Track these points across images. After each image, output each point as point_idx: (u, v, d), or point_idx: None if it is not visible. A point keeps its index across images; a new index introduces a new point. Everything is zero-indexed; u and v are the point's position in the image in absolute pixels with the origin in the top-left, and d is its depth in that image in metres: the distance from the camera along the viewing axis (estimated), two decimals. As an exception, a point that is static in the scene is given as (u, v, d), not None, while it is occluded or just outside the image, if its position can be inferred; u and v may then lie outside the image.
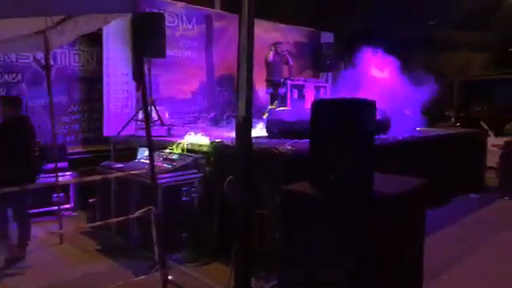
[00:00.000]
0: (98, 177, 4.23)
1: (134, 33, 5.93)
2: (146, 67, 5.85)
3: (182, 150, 4.68)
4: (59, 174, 4.98)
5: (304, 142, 4.03)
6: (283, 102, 6.93)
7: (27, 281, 3.65)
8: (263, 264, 3.26)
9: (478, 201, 6.39)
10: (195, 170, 4.28)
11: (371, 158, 2.67)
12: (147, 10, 6.49)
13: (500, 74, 14.13)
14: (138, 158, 5.19)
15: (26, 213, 4.20)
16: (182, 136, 4.96)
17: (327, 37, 9.74)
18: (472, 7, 8.56)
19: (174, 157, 4.49)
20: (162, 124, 5.84)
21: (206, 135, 4.85)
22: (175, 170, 4.20)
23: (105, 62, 6.27)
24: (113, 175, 4.21)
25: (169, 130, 5.74)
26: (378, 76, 7.69)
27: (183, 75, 7.41)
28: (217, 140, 4.50)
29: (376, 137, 3.03)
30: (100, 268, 3.88)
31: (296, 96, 7.11)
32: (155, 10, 6.66)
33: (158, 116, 5.92)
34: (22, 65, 6.04)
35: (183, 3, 7.37)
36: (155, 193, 3.12)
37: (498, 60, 14.88)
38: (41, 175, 5.34)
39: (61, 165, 5.27)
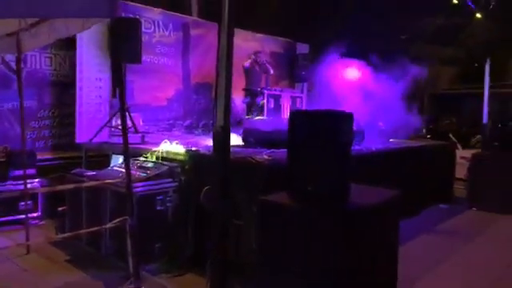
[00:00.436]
0: (71, 185, 4.09)
1: (111, 38, 5.86)
2: (121, 73, 5.76)
3: (157, 158, 4.60)
4: (28, 180, 4.79)
5: (281, 152, 4.04)
6: (260, 112, 6.95)
7: (-10, 294, 3.48)
8: (239, 275, 3.22)
9: (448, 211, 6.56)
10: (170, 179, 4.20)
11: (348, 169, 2.70)
12: (123, 15, 6.40)
13: (467, 88, 14.68)
14: (111, 165, 5.07)
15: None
16: (156, 144, 4.88)
17: (303, 48, 9.88)
18: (444, 23, 8.88)
19: (149, 165, 4.41)
20: (136, 131, 5.74)
21: (182, 143, 4.79)
22: (150, 178, 4.12)
23: (78, 66, 6.12)
24: (86, 184, 4.08)
25: (143, 137, 5.64)
26: (351, 87, 7.85)
27: (159, 82, 7.33)
28: (193, 148, 4.46)
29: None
30: (70, 280, 3.74)
31: (272, 106, 7.15)
32: (131, 16, 6.58)
33: (133, 123, 5.82)
34: (-12, 67, 5.82)
35: (160, 9, 7.31)
36: (130, 202, 3.04)
37: (466, 75, 15.47)
38: (8, 182, 5.16)
39: (29, 171, 5.07)
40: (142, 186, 3.96)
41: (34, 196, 5.27)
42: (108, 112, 6.29)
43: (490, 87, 10.52)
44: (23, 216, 4.60)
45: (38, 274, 3.85)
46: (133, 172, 4.14)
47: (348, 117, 2.72)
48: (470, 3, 8.51)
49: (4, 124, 5.94)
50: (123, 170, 3.55)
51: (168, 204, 4.10)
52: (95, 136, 5.73)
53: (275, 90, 7.50)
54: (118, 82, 2.81)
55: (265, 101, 7.01)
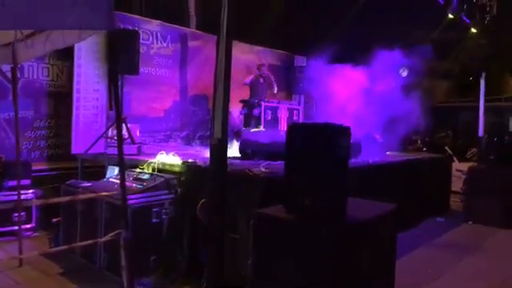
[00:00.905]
0: (65, 198, 4.05)
1: (108, 49, 5.88)
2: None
3: (153, 169, 4.57)
4: (21, 191, 4.74)
5: (278, 164, 4.04)
6: (257, 123, 6.97)
7: (-19, 307, 3.41)
8: (235, 289, 3.19)
9: (444, 225, 6.55)
10: (166, 191, 4.18)
11: (345, 183, 2.70)
12: (122, 27, 6.43)
13: (462, 101, 14.78)
14: (107, 176, 5.03)
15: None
16: (153, 155, 4.85)
17: (300, 60, 9.95)
18: (439, 37, 9.00)
19: (145, 177, 4.38)
20: (133, 142, 5.72)
21: (179, 155, 4.77)
22: (145, 190, 4.09)
23: (76, 77, 6.12)
24: (81, 197, 4.04)
25: (139, 148, 5.62)
26: (349, 100, 7.88)
27: (156, 93, 7.34)
28: (189, 160, 4.43)
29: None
30: (63, 293, 3.68)
31: (270, 117, 7.16)
32: (130, 27, 6.60)
33: (129, 134, 5.80)
34: (-15, 77, 5.80)
35: (159, 21, 7.35)
36: (125, 215, 3.00)
37: (462, 88, 15.58)
38: (1, 193, 5.10)
39: (24, 182, 5.04)
40: (137, 198, 3.93)
41: (27, 207, 5.21)
42: (105, 123, 6.28)
43: (486, 101, 10.59)
44: (16, 227, 4.54)
45: None
46: (128, 184, 4.12)
47: (345, 130, 2.72)
48: (465, 18, 8.62)
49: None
50: (119, 182, 3.52)
51: (164, 216, 4.07)
52: (91, 147, 5.70)
53: (272, 102, 7.52)
54: (114, 94, 2.79)
55: (262, 112, 7.03)
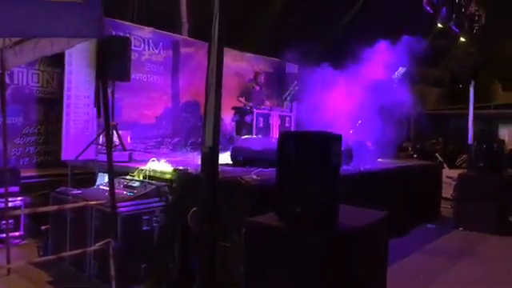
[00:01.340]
0: (54, 207, 3.99)
1: (99, 55, 5.85)
2: (109, 90, 5.73)
3: (144, 176, 4.54)
4: (10, 199, 4.67)
5: (269, 171, 4.03)
6: (249, 130, 6.97)
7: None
8: (226, 298, 3.16)
9: (435, 231, 6.58)
10: (157, 199, 4.15)
11: (337, 191, 2.70)
12: (113, 33, 6.41)
13: (452, 108, 14.96)
14: (97, 184, 4.99)
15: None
16: (144, 162, 4.83)
17: (292, 67, 9.99)
18: (429, 45, 9.11)
19: (136, 184, 4.35)
20: (124, 149, 5.68)
21: (170, 162, 4.74)
22: (136, 198, 4.05)
23: (66, 83, 6.08)
24: (70, 205, 3.99)
25: (130, 155, 5.58)
26: (340, 107, 7.93)
27: (148, 100, 7.31)
28: (181, 167, 4.41)
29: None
30: (51, 303, 3.63)
31: (261, 124, 7.17)
32: (121, 34, 6.59)
33: (120, 141, 5.76)
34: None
35: (151, 28, 7.34)
36: (114, 224, 2.97)
37: (451, 95, 15.77)
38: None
39: (12, 189, 4.97)
40: (127, 206, 3.90)
41: (15, 215, 5.13)
42: (95, 129, 6.23)
43: (475, 108, 10.72)
44: (4, 235, 4.46)
45: (18, 297, 3.73)
46: (119, 191, 4.10)
47: (337, 138, 2.73)
48: (453, 27, 8.74)
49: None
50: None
51: (154, 224, 4.04)
52: (81, 153, 5.65)
53: (264, 109, 7.54)
54: (103, 101, 2.78)
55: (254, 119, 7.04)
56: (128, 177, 4.59)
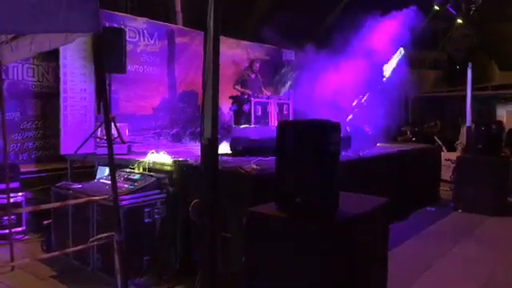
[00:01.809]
0: (56, 204, 4.01)
1: (94, 48, 5.80)
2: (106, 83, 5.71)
3: (144, 169, 4.54)
4: (11, 194, 4.68)
5: (269, 160, 4.04)
6: (247, 119, 6.95)
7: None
8: None
9: (435, 214, 6.63)
10: (158, 191, 4.16)
11: (336, 179, 2.70)
12: (107, 25, 6.34)
13: (450, 90, 14.92)
14: (97, 177, 4.99)
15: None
16: (143, 154, 4.83)
17: (288, 54, 9.93)
18: (426, 28, 9.06)
19: (136, 177, 4.35)
20: (123, 142, 5.67)
21: (169, 153, 4.74)
22: (137, 190, 4.06)
23: (62, 77, 6.03)
24: (72, 202, 4.00)
25: (129, 147, 5.58)
26: (338, 92, 7.92)
27: (144, 91, 7.28)
28: (180, 159, 4.41)
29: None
30: (56, 297, 3.66)
31: (260, 113, 7.15)
32: (115, 25, 6.52)
33: (119, 133, 5.75)
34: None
35: (145, 19, 7.27)
36: (117, 218, 2.99)
37: (448, 77, 15.72)
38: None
39: (13, 185, 4.98)
40: (128, 199, 3.91)
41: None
42: (93, 123, 6.21)
43: (473, 89, 10.70)
44: (7, 231, 4.49)
45: (23, 292, 3.76)
46: (119, 184, 4.10)
47: (335, 126, 2.73)
48: (450, 9, 8.67)
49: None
50: (110, 183, 3.49)
51: (156, 216, 4.06)
52: (80, 147, 5.64)
53: (262, 98, 7.51)
54: (102, 95, 2.77)
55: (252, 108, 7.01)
56: (128, 169, 4.60)
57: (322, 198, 2.57)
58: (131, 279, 3.61)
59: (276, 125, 2.89)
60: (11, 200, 4.69)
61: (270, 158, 3.51)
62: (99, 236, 3.12)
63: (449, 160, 8.55)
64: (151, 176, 4.29)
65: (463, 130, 9.34)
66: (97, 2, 2.36)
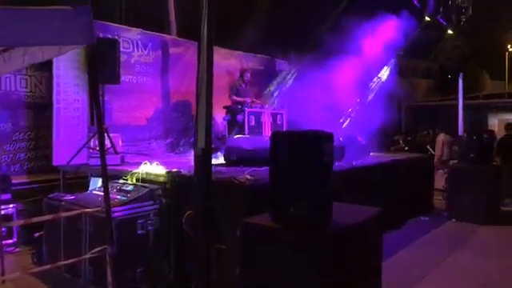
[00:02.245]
0: (48, 217, 3.96)
1: (88, 59, 5.80)
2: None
3: (137, 179, 4.52)
4: (2, 206, 4.62)
5: (263, 170, 4.04)
6: (241, 129, 6.96)
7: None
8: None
9: (429, 223, 6.65)
10: (151, 202, 4.13)
11: (330, 190, 2.71)
12: (101, 36, 6.35)
13: (441, 99, 15.06)
14: (90, 188, 4.96)
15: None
16: (136, 164, 4.80)
17: (282, 64, 9.99)
18: (418, 37, 9.19)
19: (129, 188, 4.33)
20: (116, 152, 5.64)
21: (163, 164, 4.72)
22: (130, 201, 4.03)
23: (55, 87, 6.02)
24: (65, 214, 3.96)
25: (122, 158, 5.55)
26: (332, 100, 7.97)
27: (138, 101, 7.26)
28: (174, 169, 4.40)
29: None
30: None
31: (253, 123, 7.16)
32: (109, 36, 6.53)
33: (112, 144, 5.72)
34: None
35: (139, 29, 7.29)
36: (110, 230, 2.96)
37: (440, 86, 15.88)
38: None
39: (4, 196, 4.92)
40: (121, 211, 3.88)
41: (8, 221, 5.08)
42: (87, 133, 6.18)
43: (465, 98, 10.83)
44: (-2, 243, 4.42)
45: (14, 306, 3.70)
46: (112, 195, 4.07)
47: (329, 137, 2.74)
48: (441, 20, 8.80)
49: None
50: (102, 194, 3.47)
51: (149, 227, 4.03)
52: (73, 158, 5.61)
53: (256, 107, 7.52)
54: (96, 105, 2.76)
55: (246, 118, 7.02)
56: (121, 181, 4.57)
57: (315, 208, 2.58)
58: (124, 292, 3.57)
59: (270, 135, 2.90)
60: (2, 212, 4.63)
61: (264, 168, 3.51)
62: (92, 251, 3.06)
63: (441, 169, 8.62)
64: (144, 187, 4.26)
65: (439, 139, 9.46)
66: (90, 14, 2.36)
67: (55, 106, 6.01)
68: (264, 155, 3.09)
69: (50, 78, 6.10)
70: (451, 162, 8.56)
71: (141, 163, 4.71)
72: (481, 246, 5.60)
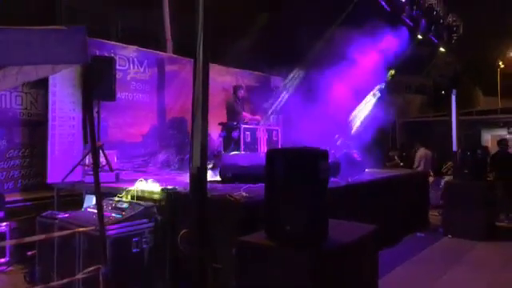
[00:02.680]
0: (41, 236, 3.92)
1: (84, 76, 5.83)
2: (94, 110, 5.70)
3: (132, 197, 4.49)
4: (-5, 225, 4.58)
5: (258, 187, 4.03)
6: (236, 146, 6.96)
7: None
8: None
9: (425, 240, 6.63)
10: (146, 219, 4.10)
11: (325, 208, 2.71)
12: (97, 53, 6.39)
13: (435, 115, 15.19)
14: (85, 206, 4.91)
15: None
16: (131, 182, 4.78)
17: (277, 81, 10.07)
18: (411, 54, 9.33)
19: (124, 205, 4.29)
20: (111, 169, 5.62)
21: (158, 181, 4.71)
22: (124, 220, 4.00)
23: (50, 104, 6.02)
24: (58, 233, 3.92)
25: (117, 175, 5.52)
26: (326, 118, 8.02)
27: (133, 118, 7.28)
28: (169, 187, 4.38)
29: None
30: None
31: (249, 139, 7.17)
32: (106, 54, 6.58)
33: (107, 161, 5.70)
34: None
35: (135, 47, 7.35)
36: (103, 250, 2.93)
37: (434, 102, 16.05)
38: (-27, 227, 4.92)
39: (-3, 215, 4.88)
40: (116, 229, 3.84)
41: (1, 240, 5.02)
42: (82, 150, 6.16)
43: (458, 114, 10.93)
44: (-10, 263, 4.37)
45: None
46: (107, 213, 4.04)
47: (324, 154, 2.76)
48: (433, 38, 8.95)
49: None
50: (97, 212, 3.44)
51: (144, 246, 3.98)
52: (68, 175, 5.58)
53: (251, 124, 7.55)
54: (89, 123, 2.76)
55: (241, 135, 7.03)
56: (116, 198, 4.53)
57: (311, 226, 2.58)
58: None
59: (265, 151, 2.91)
60: (-5, 230, 4.58)
61: (260, 184, 3.50)
62: (85, 270, 3.03)
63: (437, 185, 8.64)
64: (139, 204, 4.23)
65: (418, 153, 9.60)
66: (85, 33, 2.39)
67: (50, 122, 6.01)
68: (260, 172, 3.09)
69: (46, 95, 6.10)
70: (446, 178, 8.62)
71: (136, 180, 4.69)
72: (477, 262, 5.58)
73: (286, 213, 2.63)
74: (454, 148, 9.45)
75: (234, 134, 7.10)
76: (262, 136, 7.50)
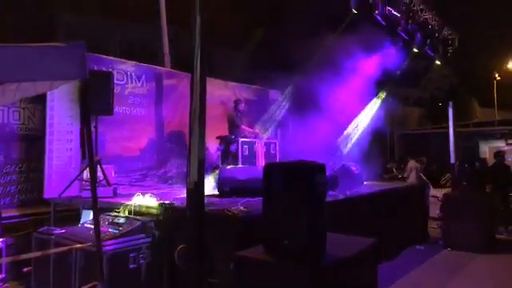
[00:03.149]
0: (37, 253, 3.89)
1: (81, 91, 5.84)
2: (92, 125, 5.69)
3: (129, 212, 4.46)
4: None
5: (256, 201, 4.01)
6: (234, 159, 6.95)
7: None
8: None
9: (424, 252, 6.59)
10: (143, 235, 4.07)
11: (324, 221, 2.70)
12: (96, 68, 6.42)
13: (433, 128, 15.24)
14: (82, 221, 4.88)
15: None
16: (129, 196, 4.75)
17: (275, 94, 10.11)
18: (410, 67, 9.41)
19: (121, 220, 4.26)
20: (108, 184, 5.60)
21: (155, 195, 4.68)
22: (122, 235, 3.97)
23: (48, 119, 6.02)
24: (53, 250, 3.89)
25: (115, 190, 5.49)
26: (324, 132, 8.04)
27: (131, 132, 7.27)
28: (166, 202, 4.35)
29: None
30: None
31: (247, 153, 7.16)
32: (104, 68, 6.61)
33: (104, 175, 5.68)
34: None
35: (133, 62, 7.39)
36: (100, 266, 2.90)
37: (432, 115, 16.13)
38: (-31, 243, 4.87)
39: (-7, 231, 4.83)
40: (113, 244, 3.81)
41: (-3, 256, 4.97)
42: (79, 165, 6.14)
43: (455, 126, 10.96)
44: (-15, 280, 4.31)
45: None
46: (104, 229, 4.01)
47: (321, 168, 2.75)
48: (429, 52, 9.03)
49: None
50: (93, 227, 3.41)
51: (141, 261, 3.94)
52: (65, 190, 5.55)
53: (250, 137, 7.55)
54: (87, 139, 2.76)
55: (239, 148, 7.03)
56: (113, 213, 4.50)
57: (309, 240, 2.56)
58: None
59: (263, 165, 2.90)
60: (-9, 247, 4.53)
61: (258, 198, 3.49)
62: (82, 287, 2.99)
63: (435, 197, 8.61)
64: (136, 220, 4.20)
65: (408, 166, 9.65)
66: (84, 49, 2.40)
67: (48, 137, 6.00)
68: (257, 185, 3.08)
69: (44, 110, 6.11)
70: (445, 190, 8.61)
71: (133, 195, 4.67)
72: (477, 274, 5.55)
73: (283, 227, 2.62)
74: (452, 160, 9.45)
75: (232, 147, 7.10)
76: (260, 149, 7.49)
